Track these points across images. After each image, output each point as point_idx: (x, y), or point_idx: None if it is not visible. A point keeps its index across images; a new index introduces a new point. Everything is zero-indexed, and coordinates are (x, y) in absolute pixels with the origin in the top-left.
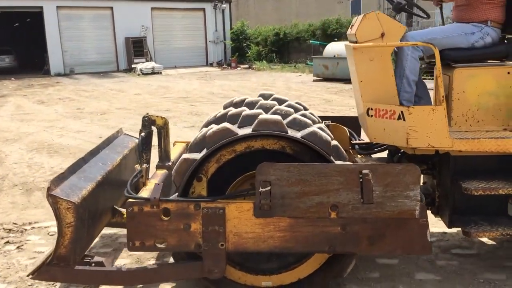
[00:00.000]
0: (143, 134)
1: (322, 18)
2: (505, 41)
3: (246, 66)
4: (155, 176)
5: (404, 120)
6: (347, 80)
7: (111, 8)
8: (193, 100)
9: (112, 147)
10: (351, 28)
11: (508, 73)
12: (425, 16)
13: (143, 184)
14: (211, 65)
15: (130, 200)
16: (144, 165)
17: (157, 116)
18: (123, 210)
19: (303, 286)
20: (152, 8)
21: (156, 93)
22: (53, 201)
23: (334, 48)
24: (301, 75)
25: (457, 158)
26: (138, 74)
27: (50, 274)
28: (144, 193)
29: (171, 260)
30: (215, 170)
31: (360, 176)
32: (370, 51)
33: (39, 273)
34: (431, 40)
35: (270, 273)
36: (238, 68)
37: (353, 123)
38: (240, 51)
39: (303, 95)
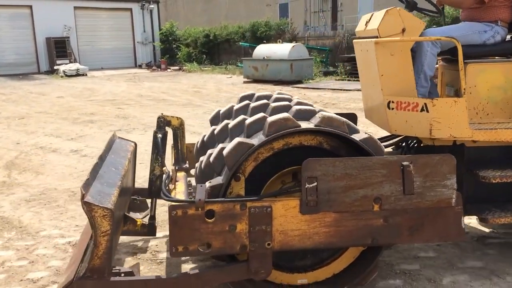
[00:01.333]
0: (159, 135)
1: (251, 20)
2: (511, 39)
3: (177, 67)
4: (178, 179)
5: (427, 111)
6: (277, 82)
7: (30, 6)
8: (120, 103)
9: (116, 152)
10: (366, 24)
11: None
12: (437, 14)
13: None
14: (140, 66)
15: (172, 204)
16: (172, 168)
17: (173, 117)
18: (136, 217)
19: (338, 281)
20: (75, 8)
21: (80, 96)
22: (88, 208)
23: (263, 50)
24: (232, 76)
25: (470, 149)
26: (61, 76)
27: None
28: (179, 196)
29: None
30: (252, 169)
31: (402, 167)
32: (391, 46)
33: None
34: (450, 37)
35: (305, 270)
36: (168, 70)
37: (349, 119)
38: (170, 53)
39: (233, 96)
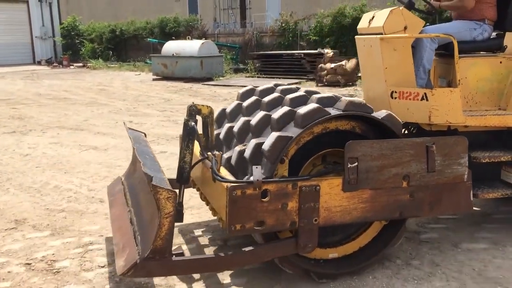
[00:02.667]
0: (193, 123)
1: (160, 16)
2: (497, 36)
3: (80, 64)
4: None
5: (427, 100)
6: (187, 79)
7: None
8: (16, 102)
9: (138, 141)
10: (369, 22)
11: (500, 62)
12: (435, 13)
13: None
14: (39, 63)
15: (232, 184)
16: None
17: (203, 106)
18: None
19: (363, 253)
20: None
21: None
22: (154, 191)
23: (173, 46)
24: (141, 74)
25: (462, 133)
26: None
27: (146, 269)
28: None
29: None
30: (294, 152)
31: (426, 148)
32: (395, 42)
33: (135, 270)
34: (447, 34)
35: (335, 245)
36: (71, 67)
37: None
38: (72, 49)
39: (142, 94)
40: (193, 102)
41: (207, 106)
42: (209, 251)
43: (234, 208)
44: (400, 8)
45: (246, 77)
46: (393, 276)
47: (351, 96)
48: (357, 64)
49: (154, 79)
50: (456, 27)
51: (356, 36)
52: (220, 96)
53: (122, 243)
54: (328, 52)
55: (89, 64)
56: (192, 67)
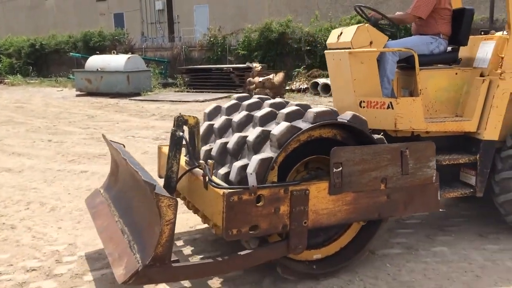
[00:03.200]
0: (181, 133)
1: (83, 30)
2: (452, 50)
3: None
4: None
5: (392, 108)
6: (113, 94)
7: None
8: None
9: (125, 154)
10: (338, 38)
11: (456, 73)
12: (394, 29)
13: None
14: None
15: (229, 190)
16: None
17: (189, 116)
18: None
19: (343, 253)
20: None
21: None
22: (156, 199)
23: (97, 61)
24: (63, 90)
25: (424, 138)
26: None
27: (148, 277)
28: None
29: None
30: (283, 159)
31: (401, 153)
32: (362, 56)
33: (137, 277)
34: (408, 48)
35: (318, 247)
36: None
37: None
38: None
39: (63, 111)
40: (180, 113)
41: (193, 116)
42: (195, 258)
43: (231, 213)
44: (366, 25)
45: (175, 91)
46: (313, 286)
47: None
48: (285, 78)
49: (77, 95)
50: (415, 41)
51: (325, 51)
52: (147, 112)
53: (118, 252)
54: (257, 66)
55: (6, 80)
56: (118, 82)
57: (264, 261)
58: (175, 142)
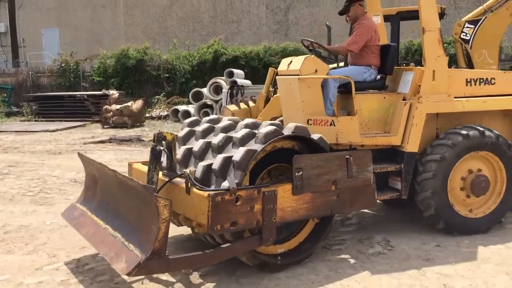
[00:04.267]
0: (160, 147)
1: None
2: (381, 78)
3: None
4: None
5: (334, 126)
6: None
7: None
8: None
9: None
10: (288, 66)
11: (384, 97)
12: (334, 59)
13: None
14: None
15: (214, 192)
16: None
17: (167, 133)
18: None
19: (302, 247)
20: None
21: None
22: (155, 200)
23: None
24: None
25: None
26: None
27: (148, 268)
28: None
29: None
30: (252, 166)
31: (347, 159)
32: (309, 81)
33: (139, 269)
34: (346, 76)
35: (281, 242)
36: None
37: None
38: None
39: None
40: (159, 130)
41: (170, 133)
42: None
43: (215, 212)
44: (312, 56)
45: (21, 121)
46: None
47: (138, 137)
48: (144, 105)
49: None
50: (351, 70)
51: (277, 77)
52: None
53: (113, 252)
54: (113, 93)
55: None
56: None
57: (241, 252)
58: (155, 156)
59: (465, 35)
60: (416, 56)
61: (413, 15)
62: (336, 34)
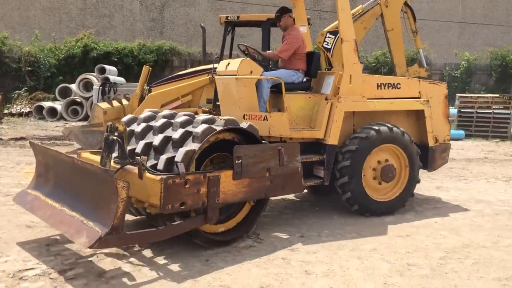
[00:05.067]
0: (113, 137)
1: None
2: (307, 81)
3: None
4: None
5: (267, 120)
6: None
7: None
8: None
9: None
10: (226, 67)
11: (309, 97)
12: (266, 63)
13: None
14: None
15: (166, 176)
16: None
17: (119, 124)
18: None
19: (239, 227)
20: None
21: None
22: (115, 181)
23: None
24: None
25: None
26: None
27: (107, 242)
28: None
29: None
30: (198, 155)
31: (278, 150)
32: (245, 81)
33: (100, 243)
34: (277, 77)
35: (222, 222)
36: None
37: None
38: None
39: None
40: (112, 122)
41: (122, 124)
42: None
43: (167, 193)
44: (247, 59)
45: None
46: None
47: None
48: (2, 100)
49: None
50: (282, 73)
51: (216, 76)
52: None
53: (73, 229)
54: None
55: None
56: None
57: (189, 229)
58: (109, 145)
59: (327, 44)
60: None
61: None
62: (212, 36)
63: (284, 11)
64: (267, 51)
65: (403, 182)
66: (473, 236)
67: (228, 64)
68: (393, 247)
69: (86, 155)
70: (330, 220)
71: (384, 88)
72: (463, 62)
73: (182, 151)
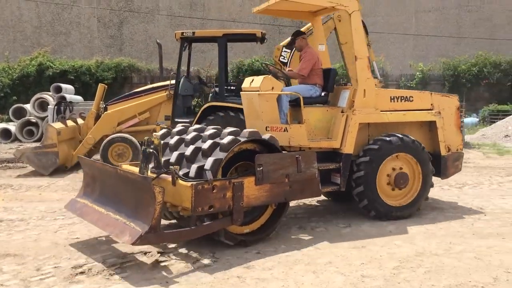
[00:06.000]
0: (150, 150)
1: None
2: (324, 95)
3: None
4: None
5: (287, 131)
6: None
7: None
8: None
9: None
10: (250, 84)
11: (327, 110)
12: (286, 79)
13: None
14: None
15: (196, 182)
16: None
17: (155, 138)
18: None
19: (262, 229)
20: None
21: None
22: (153, 187)
23: None
24: None
25: None
26: None
27: (147, 239)
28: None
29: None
30: (224, 164)
31: (296, 158)
32: (267, 96)
33: (141, 240)
34: (296, 92)
35: (247, 224)
36: None
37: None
38: None
39: None
40: (148, 137)
41: (157, 138)
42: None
43: (197, 197)
44: (269, 76)
45: None
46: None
47: None
48: None
49: None
50: (300, 88)
51: (241, 92)
52: None
53: (118, 230)
54: None
55: None
56: None
57: (217, 229)
58: (146, 157)
59: (283, 58)
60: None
61: (238, 37)
62: (172, 52)
63: (297, 34)
64: (289, 71)
65: (416, 187)
66: (426, 244)
67: (252, 80)
68: (348, 259)
69: (126, 166)
70: (289, 233)
71: (397, 101)
72: (418, 73)
73: (210, 160)
